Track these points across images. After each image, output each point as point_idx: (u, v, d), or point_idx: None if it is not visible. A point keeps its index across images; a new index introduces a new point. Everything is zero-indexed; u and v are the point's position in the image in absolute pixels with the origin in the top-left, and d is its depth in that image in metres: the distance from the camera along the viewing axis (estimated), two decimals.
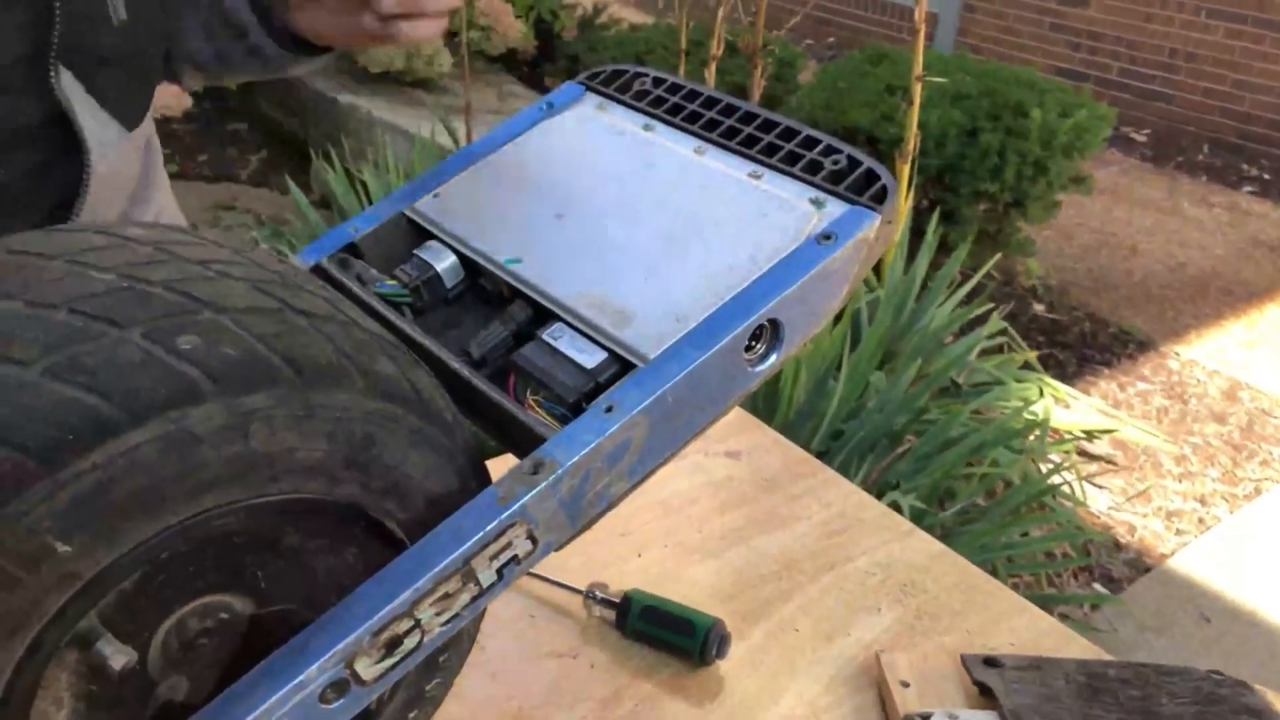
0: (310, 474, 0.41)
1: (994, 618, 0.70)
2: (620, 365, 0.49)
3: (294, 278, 0.45)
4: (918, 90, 1.93)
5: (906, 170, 2.10)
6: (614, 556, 0.72)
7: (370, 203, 2.64)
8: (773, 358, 0.51)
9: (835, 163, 0.55)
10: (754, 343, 0.50)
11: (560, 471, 0.44)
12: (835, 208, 0.53)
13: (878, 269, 2.40)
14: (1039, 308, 3.31)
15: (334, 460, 0.41)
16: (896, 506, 1.61)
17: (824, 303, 0.52)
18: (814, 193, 0.54)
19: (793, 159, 0.56)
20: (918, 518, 1.62)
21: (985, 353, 2.47)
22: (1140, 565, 2.28)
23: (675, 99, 0.62)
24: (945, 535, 1.76)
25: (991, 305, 2.52)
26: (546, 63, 4.29)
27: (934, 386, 1.97)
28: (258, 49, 0.80)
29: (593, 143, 0.62)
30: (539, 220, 0.57)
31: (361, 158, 2.84)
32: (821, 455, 1.83)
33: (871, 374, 2.05)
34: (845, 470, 1.77)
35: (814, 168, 0.55)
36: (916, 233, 2.58)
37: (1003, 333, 2.52)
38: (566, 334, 0.51)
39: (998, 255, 2.79)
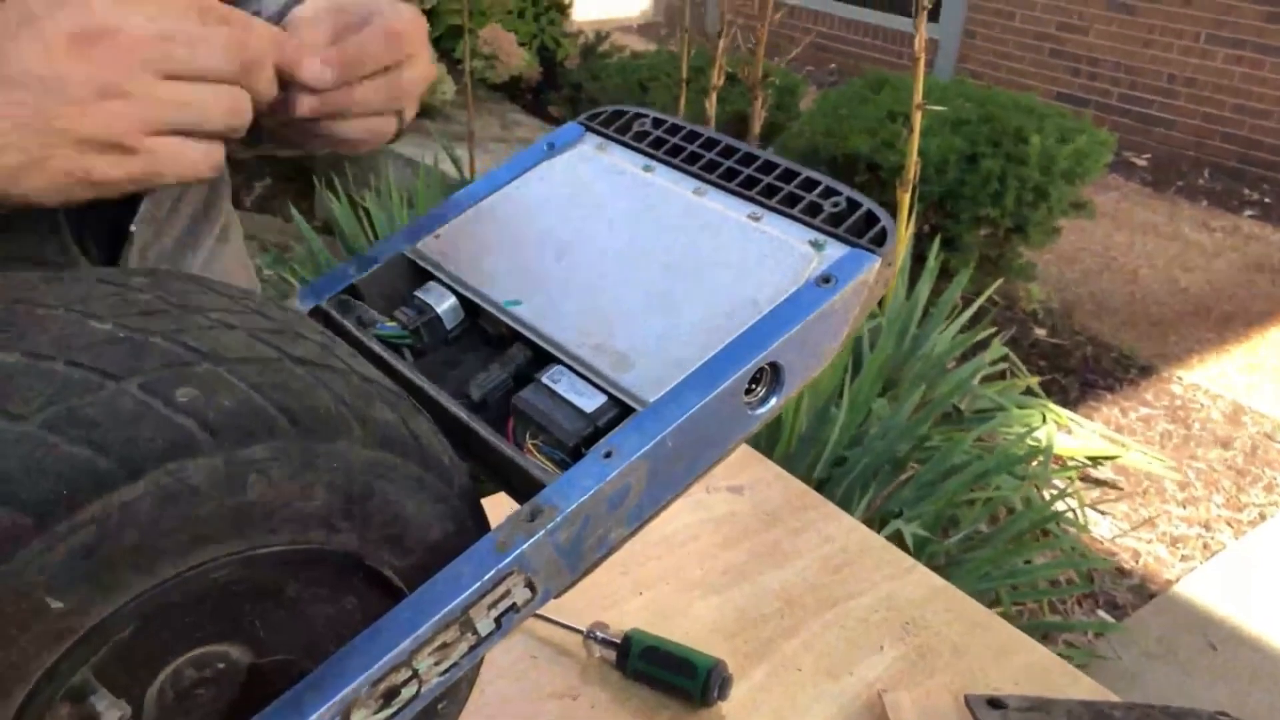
0: (309, 524, 0.40)
1: (997, 655, 0.70)
2: (620, 409, 0.49)
3: (293, 325, 0.45)
4: (918, 118, 1.94)
5: (907, 198, 2.11)
6: (615, 595, 0.72)
7: (373, 230, 2.65)
8: (773, 401, 0.51)
9: (835, 205, 0.55)
10: (754, 385, 0.50)
11: (559, 518, 0.44)
12: (835, 250, 0.53)
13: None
14: (1041, 332, 3.31)
15: (333, 510, 0.41)
16: (899, 535, 1.61)
17: (824, 345, 0.52)
18: (813, 235, 0.54)
19: (792, 200, 0.56)
20: (920, 546, 1.62)
21: (987, 379, 2.47)
22: (1145, 592, 2.27)
23: (675, 140, 0.63)
24: (948, 563, 1.75)
25: (993, 330, 2.52)
26: (550, 90, 4.31)
27: (936, 413, 1.97)
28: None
29: (593, 184, 0.62)
30: (539, 262, 0.57)
31: (365, 185, 2.85)
32: (824, 483, 1.83)
33: (874, 401, 2.05)
34: (848, 498, 1.77)
35: (813, 210, 0.56)
36: (918, 258, 2.59)
37: (1004, 358, 2.52)
38: (566, 377, 0.51)
39: (999, 280, 2.80)
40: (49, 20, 0.46)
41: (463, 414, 0.50)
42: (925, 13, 1.89)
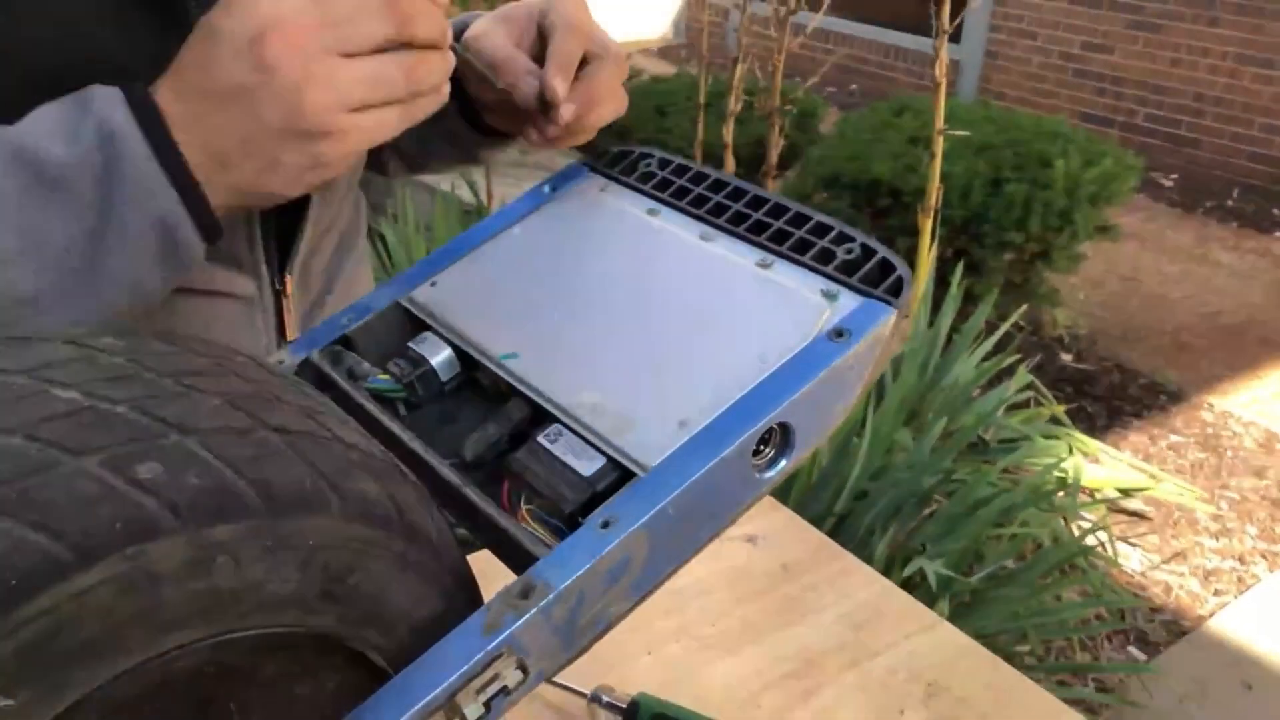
0: (282, 607, 0.38)
1: None
2: (620, 473, 0.46)
3: (272, 389, 0.42)
4: (939, 144, 1.91)
5: (929, 224, 2.08)
6: (622, 654, 0.69)
7: (390, 257, 2.64)
8: (782, 463, 0.48)
9: (849, 251, 0.52)
10: (763, 447, 0.47)
11: (552, 596, 0.41)
12: (848, 301, 0.50)
13: None
14: (1067, 358, 3.25)
15: (308, 592, 0.38)
16: (922, 574, 1.57)
17: (836, 403, 0.49)
18: (826, 284, 0.52)
19: (803, 247, 0.54)
20: (944, 585, 1.58)
21: (1012, 407, 2.42)
22: (1177, 628, 2.21)
23: (681, 181, 0.60)
24: (973, 601, 1.71)
25: (1018, 357, 2.48)
26: None
27: (961, 445, 1.93)
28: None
29: (595, 229, 0.60)
30: (537, 312, 0.55)
31: (381, 212, 2.85)
32: (845, 518, 1.79)
33: (897, 432, 2.01)
34: (869, 535, 1.73)
35: (826, 257, 0.53)
36: (941, 284, 2.55)
37: (1030, 386, 2.48)
38: (564, 436, 0.49)
39: (1023, 306, 2.75)
40: (226, 29, 0.49)
41: (454, 477, 0.48)
42: (945, 36, 1.86)
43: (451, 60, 0.55)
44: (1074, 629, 1.92)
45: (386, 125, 0.53)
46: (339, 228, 0.80)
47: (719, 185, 0.59)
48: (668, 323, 0.52)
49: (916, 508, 1.80)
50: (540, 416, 0.50)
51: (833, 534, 1.79)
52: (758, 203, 0.57)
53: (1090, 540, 2.08)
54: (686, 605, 0.74)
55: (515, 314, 0.55)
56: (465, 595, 0.45)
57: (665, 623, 0.72)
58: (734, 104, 1.71)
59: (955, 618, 1.68)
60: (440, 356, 0.55)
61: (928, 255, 2.19)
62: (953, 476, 1.89)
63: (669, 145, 3.65)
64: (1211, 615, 2.25)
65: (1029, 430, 2.22)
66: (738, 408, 0.46)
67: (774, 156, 1.50)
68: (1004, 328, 2.47)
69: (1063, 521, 2.03)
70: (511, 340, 0.54)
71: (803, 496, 1.80)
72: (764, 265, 0.54)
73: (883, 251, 0.52)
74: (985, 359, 2.40)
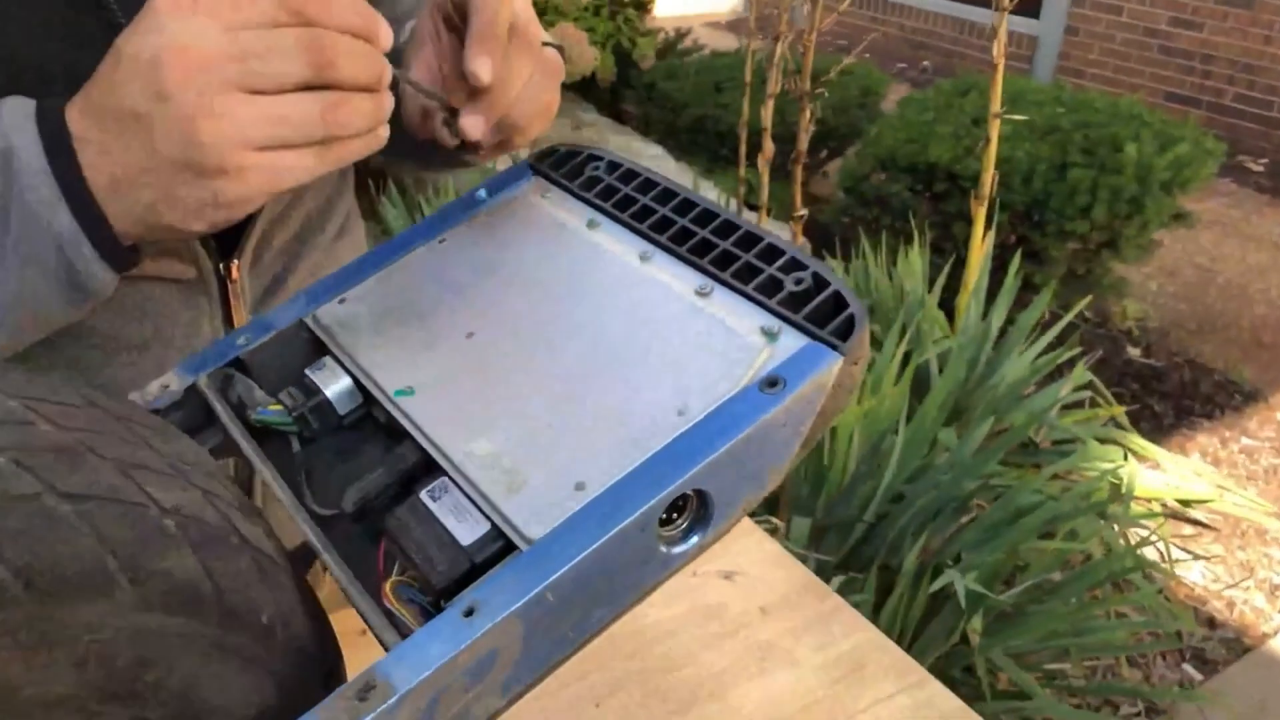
0: (52, 711, 0.32)
1: None
2: (503, 543, 0.40)
3: (86, 441, 0.36)
4: (995, 128, 1.80)
5: (982, 212, 1.96)
6: (568, 705, 0.62)
7: None
8: (696, 538, 0.41)
9: (798, 281, 0.45)
10: (675, 516, 0.40)
11: (394, 700, 0.34)
12: (790, 341, 0.43)
13: (951, 314, 2.25)
14: (1134, 352, 3.10)
15: (87, 693, 0.32)
16: (950, 588, 1.48)
17: (765, 464, 0.41)
18: (767, 319, 0.44)
19: (750, 273, 0.46)
20: (975, 601, 1.48)
21: (1067, 407, 2.30)
22: (1239, 646, 2.08)
23: (628, 189, 0.53)
24: (1008, 614, 1.61)
25: (1078, 351, 2.35)
26: (626, 89, 4.23)
27: (1008, 446, 1.82)
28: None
29: (526, 242, 0.53)
30: (446, 340, 0.48)
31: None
32: (879, 521, 1.70)
33: (939, 431, 1.92)
34: (900, 540, 1.64)
35: (772, 286, 0.45)
36: (997, 274, 2.43)
37: (1088, 385, 2.34)
38: (449, 493, 0.42)
39: (1088, 298, 2.61)
40: (129, 51, 0.45)
41: (315, 538, 0.41)
42: (1005, 12, 1.74)
43: (387, 102, 0.49)
44: (1122, 647, 1.81)
45: (298, 169, 0.47)
46: (304, 207, 0.75)
47: (667, 196, 0.52)
48: (584, 362, 0.45)
49: (954, 514, 1.70)
50: (432, 465, 0.44)
51: (861, 541, 1.71)
52: (705, 218, 0.50)
53: (1146, 551, 1.96)
54: (646, 650, 0.67)
55: (419, 342, 0.49)
56: (317, 676, 0.39)
57: (620, 668, 0.66)
58: (773, 84, 1.62)
59: (989, 633, 1.58)
60: (337, 386, 0.49)
61: (980, 244, 2.08)
62: (996, 481, 1.79)
63: (724, 122, 3.54)
64: (1277, 633, 2.11)
65: (1084, 432, 2.10)
66: (644, 470, 0.39)
67: (804, 142, 1.41)
68: (1066, 319, 2.34)
69: (1115, 531, 1.91)
70: (410, 373, 0.47)
71: (831, 500, 1.72)
72: (702, 293, 0.46)
73: (836, 284, 0.44)
74: (1041, 354, 2.28)
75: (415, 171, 0.71)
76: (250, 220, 0.67)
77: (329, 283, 0.54)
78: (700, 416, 0.41)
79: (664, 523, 0.40)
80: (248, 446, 0.46)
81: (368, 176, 2.97)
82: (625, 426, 0.41)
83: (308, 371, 0.49)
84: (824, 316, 0.43)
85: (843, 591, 1.63)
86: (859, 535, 1.68)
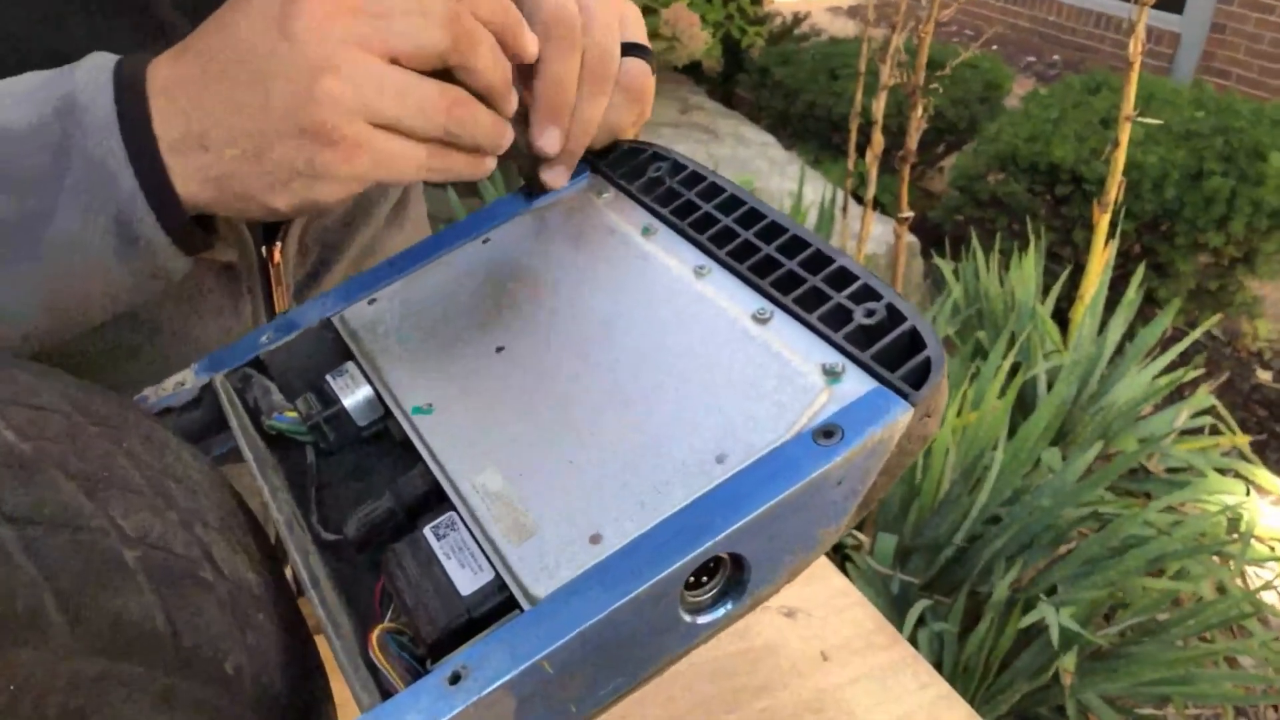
0: None
1: None
2: (505, 598, 0.35)
3: (48, 454, 0.33)
4: (1125, 131, 1.67)
5: (1105, 221, 1.84)
6: None
7: None
8: (728, 606, 0.35)
9: (869, 313, 0.39)
10: (704, 579, 0.35)
11: None
12: (855, 383, 0.37)
13: (1065, 326, 2.13)
14: (1264, 376, 2.89)
15: None
16: (1042, 623, 1.39)
17: (815, 528, 0.35)
18: (830, 355, 0.38)
19: (815, 299, 0.40)
20: (1069, 639, 1.39)
21: (1186, 433, 2.15)
22: None
23: (690, 194, 0.47)
24: (1106, 653, 1.51)
25: (1202, 373, 2.19)
26: (738, 74, 4.14)
27: (1117, 473, 1.70)
28: None
29: (573, 247, 0.48)
30: (473, 353, 0.44)
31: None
32: (970, 544, 1.61)
33: (1043, 451, 1.80)
34: (992, 566, 1.55)
35: (840, 317, 0.39)
36: (1117, 287, 2.28)
37: (1210, 410, 2.19)
38: (456, 531, 0.37)
39: (1217, 316, 2.44)
40: None
41: (305, 570, 0.37)
42: (1146, 7, 1.62)
43: (507, 132, 0.45)
44: (1230, 697, 1.68)
45: (407, 161, 0.42)
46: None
47: (732, 204, 0.46)
48: (618, 390, 0.40)
49: (1053, 542, 1.60)
50: (443, 496, 0.39)
51: (951, 565, 1.62)
52: (772, 232, 0.44)
53: (1266, 596, 1.82)
54: (688, 691, 0.62)
55: (445, 354, 0.44)
56: None
57: (658, 710, 0.61)
58: (886, 76, 1.53)
59: (1083, 672, 1.48)
60: (356, 396, 0.45)
61: (1102, 253, 1.95)
62: (1101, 509, 1.67)
63: (837, 110, 3.43)
64: None
65: (1202, 462, 1.96)
66: (671, 526, 0.34)
67: (913, 140, 1.32)
68: (1191, 338, 2.18)
69: (1231, 571, 1.78)
70: (431, 388, 0.43)
71: (921, 518, 1.63)
72: (760, 319, 0.41)
73: (913, 319, 0.38)
74: (1160, 374, 2.14)
75: None
76: None
77: (363, 280, 0.50)
78: (741, 466, 0.35)
79: (692, 585, 0.35)
80: (251, 456, 0.42)
81: None
82: (655, 471, 0.36)
83: (328, 377, 0.45)
84: (896, 357, 0.37)
85: (927, 617, 1.55)
86: (948, 558, 1.59)
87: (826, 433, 0.35)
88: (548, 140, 0.49)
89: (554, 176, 0.51)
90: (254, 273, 0.62)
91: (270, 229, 0.63)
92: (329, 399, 0.45)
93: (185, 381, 0.47)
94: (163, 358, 0.60)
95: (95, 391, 0.39)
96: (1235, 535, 1.81)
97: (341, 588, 0.39)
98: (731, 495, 0.34)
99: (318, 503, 0.43)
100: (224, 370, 0.47)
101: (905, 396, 0.36)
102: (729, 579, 0.35)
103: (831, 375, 0.37)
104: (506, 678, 0.31)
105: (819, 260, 0.42)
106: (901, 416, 0.35)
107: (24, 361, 0.38)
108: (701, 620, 0.35)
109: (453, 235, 0.51)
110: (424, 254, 0.50)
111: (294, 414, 0.45)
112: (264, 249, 0.62)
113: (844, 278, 0.40)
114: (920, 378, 0.36)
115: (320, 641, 0.38)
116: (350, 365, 0.46)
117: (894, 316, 0.38)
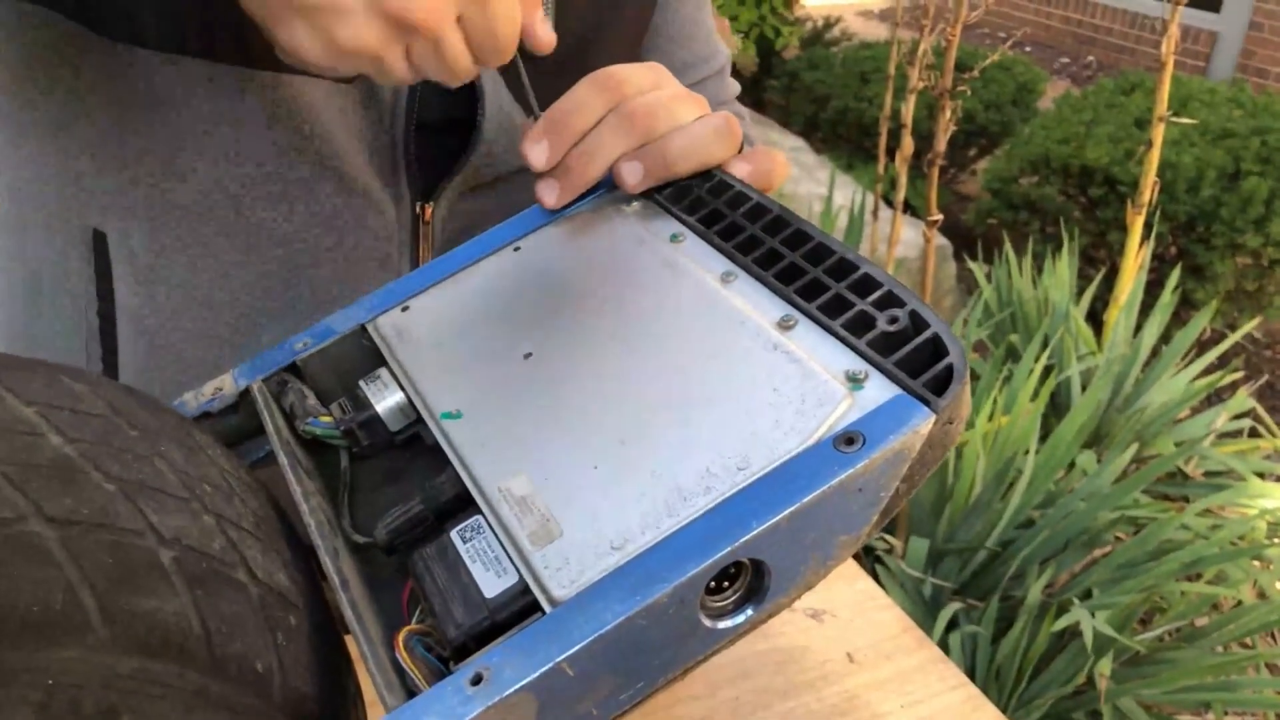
0: None
1: None
2: (528, 601, 0.35)
3: (89, 457, 0.34)
4: (1159, 132, 1.65)
5: (1139, 222, 1.82)
6: None
7: None
8: (749, 612, 0.36)
9: (892, 320, 0.39)
10: (725, 584, 0.35)
11: None
12: (877, 390, 0.37)
13: (1099, 329, 2.11)
14: None
15: None
16: (1076, 628, 1.37)
17: (834, 534, 0.36)
18: (854, 361, 0.38)
19: (839, 306, 0.41)
20: (1104, 643, 1.37)
21: (1224, 436, 2.12)
22: None
23: (718, 202, 0.48)
24: (1142, 658, 1.49)
25: (1241, 375, 2.16)
26: (768, 78, 4.14)
27: (1153, 476, 1.68)
28: None
29: (602, 255, 0.48)
30: (503, 359, 0.44)
31: None
32: (1003, 548, 1.60)
33: (1077, 454, 1.79)
34: (1025, 570, 1.53)
35: (863, 324, 0.40)
36: (1153, 287, 2.26)
37: (1250, 413, 2.16)
38: (482, 535, 0.38)
39: (1256, 318, 2.41)
40: None
41: (334, 572, 0.38)
42: (1179, 6, 1.60)
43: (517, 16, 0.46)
44: (1271, 704, 1.66)
45: (457, 56, 0.45)
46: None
47: (758, 212, 0.46)
48: (643, 396, 0.40)
49: (1087, 546, 1.59)
50: (470, 500, 0.40)
51: (983, 568, 1.61)
52: (797, 240, 0.44)
53: None
54: (714, 692, 0.62)
55: (476, 360, 0.45)
56: None
57: (683, 711, 0.61)
58: (915, 79, 1.53)
59: (1119, 678, 1.47)
60: (388, 402, 0.45)
61: (1136, 256, 1.93)
62: (1137, 513, 1.66)
63: (868, 115, 3.42)
64: None
65: (1241, 465, 1.93)
66: (691, 532, 0.34)
67: (941, 143, 1.31)
68: (1230, 340, 2.16)
69: (1272, 574, 1.75)
70: (460, 394, 0.43)
71: (953, 521, 1.62)
72: (785, 325, 0.41)
73: (936, 326, 0.38)
74: (1198, 377, 2.11)
75: None
76: (457, 163, 0.64)
77: (397, 288, 0.51)
78: (763, 472, 0.35)
79: (713, 591, 0.35)
80: (285, 460, 0.43)
81: None
82: (677, 476, 0.36)
83: (361, 383, 0.46)
84: (919, 364, 0.37)
85: (959, 621, 1.54)
86: (981, 561, 1.58)
87: (848, 439, 0.35)
88: (534, 151, 0.50)
89: (546, 191, 0.51)
90: (405, 224, 0.64)
91: (426, 190, 0.65)
92: (362, 404, 0.45)
93: (223, 387, 0.48)
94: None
95: (135, 396, 0.40)
96: (1276, 539, 1.79)
97: (371, 590, 0.40)
98: (753, 501, 0.35)
99: (350, 506, 0.44)
100: (261, 376, 0.48)
101: (927, 403, 0.36)
102: (750, 585, 0.36)
103: (854, 382, 0.38)
104: (527, 679, 0.32)
105: (843, 267, 0.42)
106: (923, 424, 0.35)
107: (67, 366, 0.39)
108: (722, 625, 0.35)
109: (485, 243, 0.52)
110: (456, 262, 0.51)
111: (328, 419, 0.46)
112: (418, 206, 0.64)
113: (868, 285, 0.41)
114: (943, 385, 0.36)
115: (350, 642, 0.39)
116: (383, 371, 0.47)
117: (917, 323, 0.39)
